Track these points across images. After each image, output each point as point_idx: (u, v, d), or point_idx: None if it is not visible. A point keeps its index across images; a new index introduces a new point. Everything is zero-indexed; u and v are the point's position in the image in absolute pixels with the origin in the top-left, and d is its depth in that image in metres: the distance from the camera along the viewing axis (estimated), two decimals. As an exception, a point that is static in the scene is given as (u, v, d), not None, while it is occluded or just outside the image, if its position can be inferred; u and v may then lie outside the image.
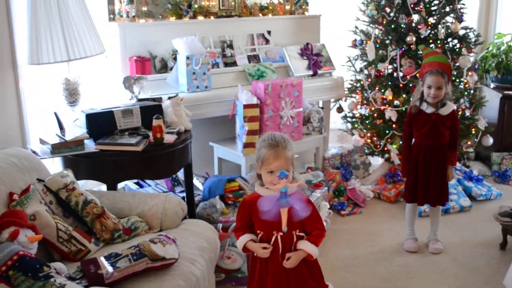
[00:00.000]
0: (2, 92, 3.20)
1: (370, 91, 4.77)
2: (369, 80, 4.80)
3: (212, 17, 4.48)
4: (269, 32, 4.74)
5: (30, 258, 2.22)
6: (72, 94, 3.45)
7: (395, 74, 4.66)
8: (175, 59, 4.15)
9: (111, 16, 4.18)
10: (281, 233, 2.31)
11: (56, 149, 3.12)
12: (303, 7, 5.06)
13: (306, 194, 3.09)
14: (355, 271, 3.49)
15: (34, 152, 3.13)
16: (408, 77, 4.54)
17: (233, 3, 4.59)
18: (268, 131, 2.52)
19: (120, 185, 3.55)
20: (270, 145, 2.29)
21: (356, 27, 5.05)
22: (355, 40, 5.04)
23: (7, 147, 2.99)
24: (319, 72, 4.78)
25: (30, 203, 2.53)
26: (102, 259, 2.36)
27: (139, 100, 3.63)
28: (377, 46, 4.77)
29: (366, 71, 4.89)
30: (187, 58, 3.98)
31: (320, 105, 4.91)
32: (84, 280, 2.27)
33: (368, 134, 4.84)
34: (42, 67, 3.43)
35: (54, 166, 3.31)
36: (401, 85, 4.59)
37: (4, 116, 3.19)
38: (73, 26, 3.29)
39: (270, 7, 4.86)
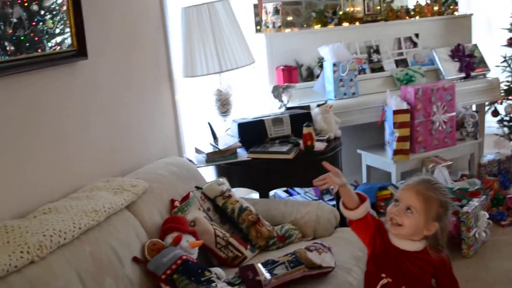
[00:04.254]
0: (161, 105, 3.37)
1: (529, 92, 4.43)
2: (528, 80, 4.47)
3: (357, 23, 4.41)
4: (416, 35, 4.57)
5: (192, 263, 2.30)
6: (224, 105, 3.55)
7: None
8: (321, 66, 4.13)
9: (258, 27, 4.27)
10: None
11: (210, 158, 3.22)
12: (452, 7, 4.82)
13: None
14: (521, 286, 3.23)
15: (190, 160, 3.26)
16: None
17: (378, 8, 4.49)
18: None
19: (270, 193, 3.58)
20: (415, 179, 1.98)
21: (512, 24, 4.73)
22: (511, 38, 4.71)
23: (166, 156, 3.15)
24: (472, 74, 4.52)
25: (190, 209, 2.64)
26: (260, 265, 2.38)
27: (288, 108, 3.65)
28: (537, 42, 4.43)
29: (524, 71, 4.56)
30: (334, 65, 3.95)
31: (474, 109, 4.64)
32: (243, 286, 2.30)
33: (529, 139, 4.49)
34: (195, 79, 3.57)
35: (208, 173, 3.42)
36: None
37: (163, 127, 3.36)
38: (225, 39, 3.39)
39: (417, 9, 4.68)
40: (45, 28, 2.44)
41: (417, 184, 1.93)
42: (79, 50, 2.64)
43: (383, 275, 1.96)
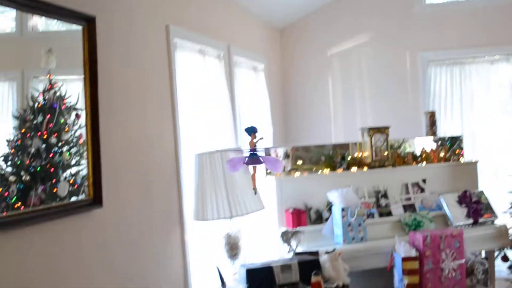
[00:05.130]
0: (170, 246, 3.42)
1: (539, 239, 4.43)
2: (537, 227, 4.49)
3: (365, 168, 4.54)
4: (424, 181, 4.67)
5: None
6: (233, 248, 3.58)
7: None
8: (330, 210, 4.20)
9: (268, 170, 4.40)
10: None
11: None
12: (457, 152, 4.96)
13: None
14: None
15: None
16: None
17: (386, 154, 4.63)
18: None
19: None
20: None
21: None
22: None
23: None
24: (480, 220, 4.55)
25: None
26: None
27: (297, 253, 3.67)
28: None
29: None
30: (342, 209, 4.02)
31: (483, 255, 4.61)
32: None
33: (541, 287, 4.43)
34: (206, 222, 3.64)
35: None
36: None
37: (170, 269, 3.38)
38: (236, 185, 3.51)
39: (424, 155, 4.83)
40: (61, 159, 2.50)
41: None
42: (95, 199, 2.72)
43: None
